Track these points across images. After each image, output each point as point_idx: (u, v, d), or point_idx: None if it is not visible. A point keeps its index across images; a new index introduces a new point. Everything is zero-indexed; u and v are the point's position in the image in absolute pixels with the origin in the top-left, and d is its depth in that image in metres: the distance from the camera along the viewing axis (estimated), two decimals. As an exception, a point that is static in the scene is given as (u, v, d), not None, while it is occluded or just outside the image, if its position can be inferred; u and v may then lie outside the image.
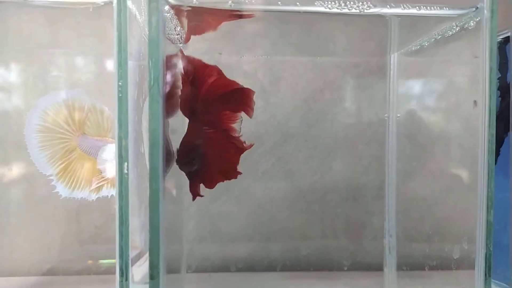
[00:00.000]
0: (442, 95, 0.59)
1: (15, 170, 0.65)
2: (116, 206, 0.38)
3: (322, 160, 0.70)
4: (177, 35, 0.47)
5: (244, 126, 0.51)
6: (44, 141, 0.56)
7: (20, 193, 0.66)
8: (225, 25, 0.49)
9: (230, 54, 0.66)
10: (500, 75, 0.55)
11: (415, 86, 0.62)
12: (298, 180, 0.70)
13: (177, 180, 0.61)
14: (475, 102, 0.45)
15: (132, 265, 0.48)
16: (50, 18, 0.65)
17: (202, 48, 0.54)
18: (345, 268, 0.69)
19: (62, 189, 0.57)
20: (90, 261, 0.68)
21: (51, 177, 0.57)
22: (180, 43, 0.48)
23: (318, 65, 0.69)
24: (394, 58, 0.61)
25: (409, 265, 0.60)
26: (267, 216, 0.70)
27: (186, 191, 0.66)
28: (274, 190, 0.70)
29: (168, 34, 0.46)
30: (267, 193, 0.70)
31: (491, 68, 0.41)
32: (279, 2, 0.42)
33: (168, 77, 0.44)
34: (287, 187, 0.70)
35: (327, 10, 0.42)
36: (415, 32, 0.54)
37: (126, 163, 0.37)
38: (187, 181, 0.64)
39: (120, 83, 0.36)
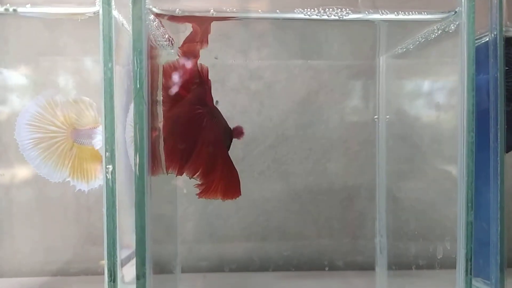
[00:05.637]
0: (429, 95, 0.60)
1: (18, 173, 0.67)
2: (104, 208, 0.39)
3: (317, 161, 0.71)
4: (165, 41, 0.48)
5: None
6: (43, 152, 0.55)
7: (24, 195, 0.67)
8: (219, 30, 0.50)
9: (225, 57, 0.67)
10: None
11: (403, 87, 0.63)
12: (294, 181, 0.71)
13: (170, 180, 0.62)
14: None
15: (125, 265, 0.50)
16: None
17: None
18: (339, 268, 0.70)
19: (81, 185, 0.57)
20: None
21: (68, 180, 0.57)
22: (171, 49, 0.50)
23: (312, 67, 0.70)
24: (382, 61, 0.62)
25: (398, 265, 0.61)
26: (263, 216, 0.71)
27: (181, 192, 0.67)
28: (270, 191, 0.71)
29: (158, 41, 0.48)
30: (263, 194, 0.71)
31: (469, 71, 0.41)
32: (260, 10, 0.43)
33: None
34: (282, 188, 0.71)
35: (307, 17, 0.43)
36: (401, 35, 0.55)
37: (111, 165, 0.38)
38: (183, 182, 0.65)
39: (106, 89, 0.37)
